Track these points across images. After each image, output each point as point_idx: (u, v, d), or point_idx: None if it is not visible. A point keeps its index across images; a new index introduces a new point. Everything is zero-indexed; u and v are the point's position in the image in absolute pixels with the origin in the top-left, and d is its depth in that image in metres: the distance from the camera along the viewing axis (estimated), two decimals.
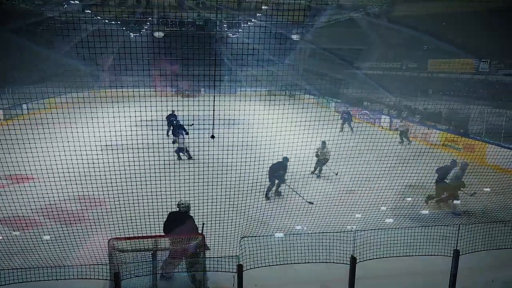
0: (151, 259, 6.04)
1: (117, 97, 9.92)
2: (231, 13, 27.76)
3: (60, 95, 10.73)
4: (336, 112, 25.81)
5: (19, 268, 5.41)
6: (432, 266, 6.74)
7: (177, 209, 7.21)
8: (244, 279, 5.68)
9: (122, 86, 13.48)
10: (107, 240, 5.96)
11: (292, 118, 9.91)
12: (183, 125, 16.33)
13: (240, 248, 6.04)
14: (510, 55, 17.58)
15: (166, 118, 18.30)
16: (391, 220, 9.01)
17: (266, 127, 9.61)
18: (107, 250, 5.85)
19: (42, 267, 5.45)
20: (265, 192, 10.76)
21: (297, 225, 8.20)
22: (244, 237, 6.32)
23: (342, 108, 24.54)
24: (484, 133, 15.63)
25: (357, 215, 8.60)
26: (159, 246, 6.28)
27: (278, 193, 11.07)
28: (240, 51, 8.73)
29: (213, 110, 7.71)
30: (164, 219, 6.99)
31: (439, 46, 20.02)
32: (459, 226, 6.59)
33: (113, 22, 30.18)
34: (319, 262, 6.26)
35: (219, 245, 6.59)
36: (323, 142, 12.81)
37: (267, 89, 29.20)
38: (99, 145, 8.62)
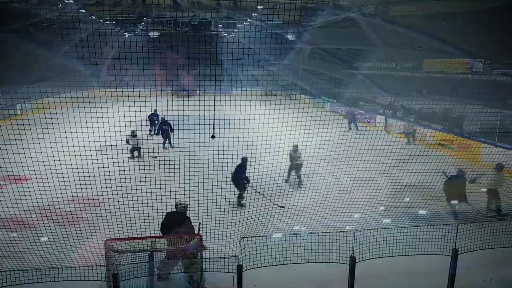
0: (148, 260, 5.97)
1: (111, 97, 9.82)
2: (227, 12, 27.72)
3: (53, 95, 10.57)
4: (332, 112, 25.88)
5: (16, 270, 5.33)
6: (431, 265, 6.73)
7: (175, 209, 7.16)
8: (243, 279, 5.62)
9: (117, 86, 13.36)
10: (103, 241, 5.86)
11: (288, 118, 9.85)
12: (167, 121, 16.67)
13: (240, 248, 5.98)
14: (504, 54, 17.67)
15: (148, 117, 18.98)
16: (389, 220, 8.99)
17: (262, 127, 9.53)
18: (104, 251, 5.76)
19: (40, 269, 5.37)
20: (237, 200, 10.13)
21: (297, 225, 8.14)
22: (244, 237, 6.26)
23: (346, 108, 24.74)
24: (479, 132, 15.71)
25: (356, 216, 8.57)
26: (156, 247, 6.21)
27: (239, 201, 10.23)
28: (236, 50, 8.67)
29: (214, 110, 7.65)
30: (162, 220, 6.92)
31: (433, 46, 20.09)
32: (458, 225, 6.59)
33: (107, 22, 30.00)
34: (319, 262, 6.21)
35: (217, 245, 6.53)
36: (295, 146, 11.93)
37: (262, 89, 29.17)
38: (93, 146, 8.50)
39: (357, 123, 22.24)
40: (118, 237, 6.14)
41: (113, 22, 30.57)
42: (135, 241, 5.98)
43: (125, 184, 7.28)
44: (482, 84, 20.02)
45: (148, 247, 6.09)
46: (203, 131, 8.24)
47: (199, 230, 6.83)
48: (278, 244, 6.79)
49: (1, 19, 22.48)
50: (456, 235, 6.47)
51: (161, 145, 16.46)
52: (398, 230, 6.71)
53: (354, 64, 28.65)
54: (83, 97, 11.30)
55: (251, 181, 10.09)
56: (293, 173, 12.34)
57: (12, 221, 7.64)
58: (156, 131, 18.02)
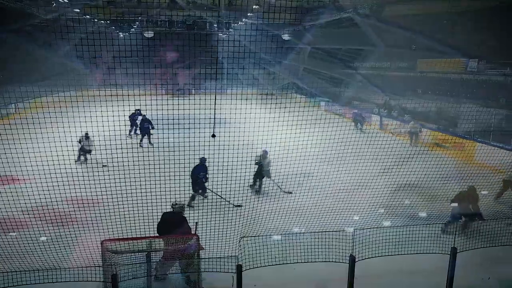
0: (145, 260, 5.88)
1: (105, 95, 9.69)
2: (222, 12, 27.63)
3: (46, 95, 10.42)
4: (328, 111, 25.91)
5: (13, 271, 5.23)
6: (430, 263, 6.71)
7: (171, 209, 7.07)
8: (243, 279, 5.56)
9: (111, 85, 13.19)
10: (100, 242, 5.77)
11: (285, 117, 9.79)
12: (148, 118, 16.44)
13: (239, 248, 5.92)
14: (498, 54, 17.78)
15: (129, 117, 17.57)
16: (388, 221, 8.96)
17: (258, 127, 9.45)
18: (101, 252, 5.66)
19: (35, 270, 5.26)
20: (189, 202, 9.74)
21: (296, 225, 8.08)
22: (243, 237, 6.20)
23: (353, 110, 24.71)
24: (474, 132, 15.78)
25: (355, 217, 8.53)
26: (153, 247, 6.12)
27: (190, 203, 9.81)
28: (231, 49, 8.60)
29: (214, 109, 7.58)
30: (158, 220, 6.83)
31: (428, 45, 20.17)
32: (456, 224, 6.59)
33: (102, 21, 29.78)
34: (319, 261, 6.16)
35: (216, 245, 6.46)
36: (265, 151, 11.02)
37: (257, 88, 29.12)
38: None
39: (363, 125, 21.92)
40: (115, 238, 6.04)
41: (108, 22, 30.36)
42: (132, 241, 5.88)
43: (121, 184, 7.18)
44: (477, 83, 20.13)
45: (145, 248, 6.01)
46: (203, 130, 8.17)
47: (195, 230, 6.76)
48: (278, 244, 6.73)
49: None
50: (455, 234, 6.47)
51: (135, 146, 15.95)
52: (398, 229, 6.67)
53: (351, 64, 28.70)
54: (76, 96, 11.18)
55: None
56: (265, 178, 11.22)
57: (5, 222, 7.48)
58: (135, 131, 17.75)
